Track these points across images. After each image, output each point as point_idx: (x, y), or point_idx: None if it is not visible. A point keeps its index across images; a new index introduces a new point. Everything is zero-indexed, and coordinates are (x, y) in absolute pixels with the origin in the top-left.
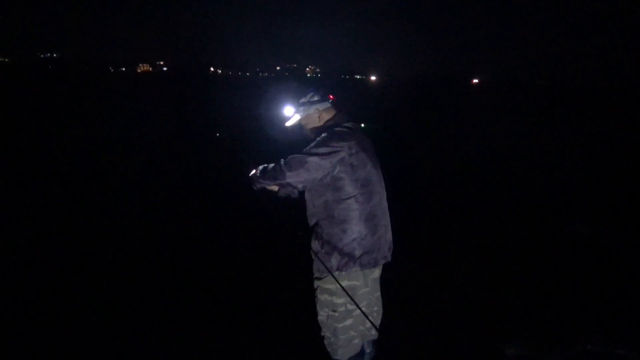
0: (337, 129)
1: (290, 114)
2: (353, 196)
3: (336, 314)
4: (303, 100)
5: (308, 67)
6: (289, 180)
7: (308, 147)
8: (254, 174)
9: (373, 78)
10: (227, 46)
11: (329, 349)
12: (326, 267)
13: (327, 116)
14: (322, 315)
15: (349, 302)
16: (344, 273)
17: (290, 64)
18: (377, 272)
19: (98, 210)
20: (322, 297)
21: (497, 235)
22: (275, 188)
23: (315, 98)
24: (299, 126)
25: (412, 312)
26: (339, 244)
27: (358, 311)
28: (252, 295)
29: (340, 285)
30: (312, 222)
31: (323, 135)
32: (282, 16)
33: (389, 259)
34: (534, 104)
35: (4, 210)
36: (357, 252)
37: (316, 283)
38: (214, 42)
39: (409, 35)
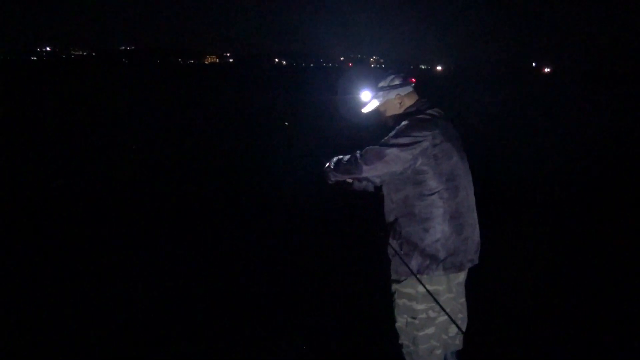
0: (419, 116)
1: (368, 99)
2: (437, 192)
3: (416, 321)
4: (382, 84)
5: (372, 58)
6: (365, 174)
7: (387, 137)
8: (328, 166)
9: (439, 68)
10: (291, 37)
11: (407, 358)
12: (409, 268)
13: (408, 102)
14: (401, 321)
15: (432, 309)
16: (425, 276)
17: (354, 55)
18: (462, 277)
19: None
20: (400, 301)
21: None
22: (350, 181)
23: (396, 82)
24: (376, 113)
25: (494, 318)
26: (420, 244)
27: (441, 319)
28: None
29: (426, 288)
30: (389, 219)
31: (403, 123)
32: (346, 5)
33: (476, 261)
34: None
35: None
36: (441, 254)
37: (394, 286)
38: (278, 33)
39: (476, 24)
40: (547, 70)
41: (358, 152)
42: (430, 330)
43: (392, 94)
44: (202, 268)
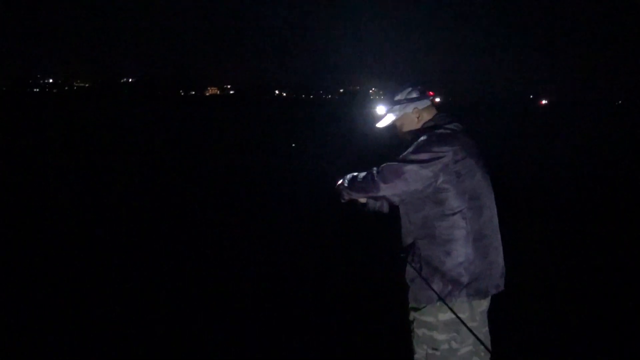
0: (438, 131)
1: (383, 112)
2: (459, 211)
3: (437, 353)
4: (399, 97)
5: (371, 90)
6: (383, 193)
7: (405, 153)
8: (341, 184)
9: (437, 100)
10: (291, 69)
11: None
12: (434, 291)
13: (427, 116)
14: (420, 353)
15: (454, 339)
16: (447, 304)
17: (353, 87)
18: (485, 304)
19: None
20: (419, 331)
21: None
22: (363, 200)
23: (414, 95)
24: (392, 128)
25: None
26: (441, 267)
27: (464, 350)
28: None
29: (455, 313)
30: (407, 241)
31: (422, 138)
32: (343, 40)
33: (502, 287)
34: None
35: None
36: (464, 279)
37: (412, 315)
38: (278, 66)
39: (474, 60)
40: (544, 102)
41: (375, 169)
42: None
43: (410, 108)
44: (205, 270)
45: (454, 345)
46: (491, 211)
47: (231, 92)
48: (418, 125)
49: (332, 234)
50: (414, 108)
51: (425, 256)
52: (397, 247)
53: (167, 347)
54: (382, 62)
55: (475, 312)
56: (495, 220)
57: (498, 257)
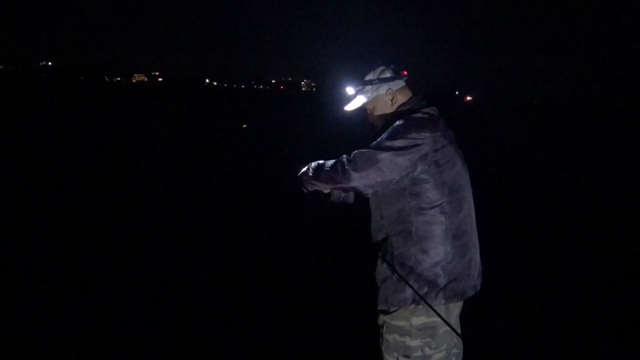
0: (416, 115)
1: (352, 94)
2: (438, 205)
3: None
4: (370, 76)
5: (303, 81)
6: (354, 183)
7: (378, 140)
8: (305, 173)
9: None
10: (222, 58)
11: None
12: (416, 293)
13: (401, 99)
14: None
15: (428, 345)
16: (421, 307)
17: (286, 78)
18: (460, 306)
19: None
20: (389, 337)
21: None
22: (327, 190)
23: (387, 74)
24: (361, 112)
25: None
26: (417, 268)
27: (437, 356)
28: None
29: (440, 316)
30: (378, 238)
31: (397, 123)
32: (278, 29)
33: (479, 288)
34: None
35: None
36: (442, 280)
37: (382, 318)
38: (208, 54)
39: (402, 51)
40: (469, 98)
41: (344, 157)
42: None
43: (383, 89)
44: (205, 269)
45: (428, 351)
46: (470, 205)
47: (159, 79)
48: (392, 109)
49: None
50: (388, 89)
51: (399, 255)
52: (367, 244)
53: (167, 347)
54: (314, 56)
55: (450, 315)
56: (474, 215)
57: (476, 255)
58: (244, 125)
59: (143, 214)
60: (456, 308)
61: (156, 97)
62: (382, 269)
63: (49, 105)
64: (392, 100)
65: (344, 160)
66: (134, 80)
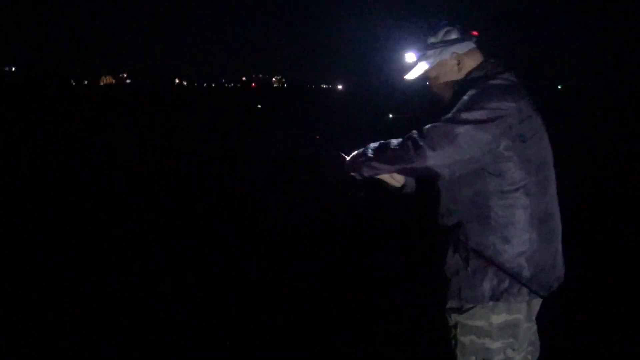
0: (494, 81)
1: (413, 60)
2: (523, 186)
3: None
4: (432, 39)
5: (274, 78)
6: (429, 162)
7: (453, 112)
8: (358, 155)
9: (340, 87)
10: (189, 57)
11: None
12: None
13: (471, 63)
14: None
15: (510, 346)
16: (501, 303)
17: (257, 74)
18: (540, 301)
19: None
20: (465, 339)
21: None
22: (394, 178)
23: (452, 36)
24: (425, 80)
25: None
26: (497, 258)
27: (519, 357)
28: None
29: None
30: (447, 224)
31: (473, 92)
32: (247, 26)
33: (562, 279)
34: None
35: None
36: (526, 272)
37: (455, 318)
38: (174, 53)
39: (371, 46)
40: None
41: (414, 132)
42: None
43: (447, 53)
44: (205, 268)
45: (510, 353)
46: (555, 185)
47: (127, 81)
48: (460, 75)
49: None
50: (453, 52)
51: (475, 244)
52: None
53: (166, 348)
54: (286, 50)
55: (533, 310)
56: (555, 195)
57: (560, 243)
58: (259, 106)
59: (132, 219)
60: (538, 303)
61: (135, 100)
62: (453, 261)
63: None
64: (458, 65)
65: (415, 136)
66: (101, 83)
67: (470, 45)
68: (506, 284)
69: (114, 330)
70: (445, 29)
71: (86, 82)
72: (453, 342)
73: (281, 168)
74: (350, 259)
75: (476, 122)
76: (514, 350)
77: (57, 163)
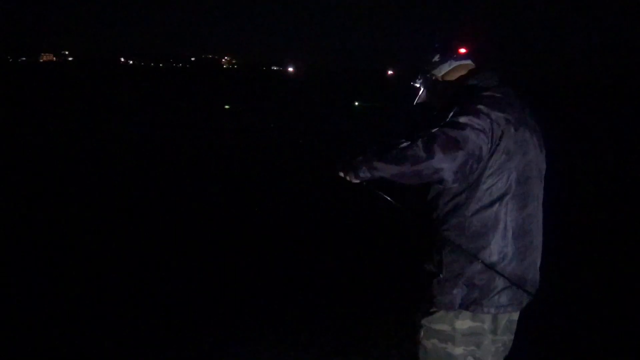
0: (487, 93)
1: (418, 86)
2: (500, 198)
3: None
4: (426, 67)
5: (225, 58)
6: (441, 165)
7: (451, 117)
8: (365, 157)
9: (290, 69)
10: (137, 35)
11: None
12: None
13: (460, 72)
14: None
15: (472, 354)
16: (469, 312)
17: (206, 55)
18: (515, 316)
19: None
20: (428, 342)
21: None
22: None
23: (437, 59)
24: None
25: None
26: (467, 269)
27: None
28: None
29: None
30: (428, 229)
31: (468, 99)
32: (194, 3)
33: (533, 296)
34: None
35: None
36: (494, 285)
37: (421, 321)
38: (121, 31)
39: (326, 27)
40: (390, 72)
41: (423, 135)
42: None
43: (439, 72)
44: (204, 267)
45: None
46: (538, 202)
47: (69, 58)
48: (446, 95)
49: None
50: (435, 78)
51: (449, 252)
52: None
53: (166, 347)
54: (236, 30)
55: (500, 323)
56: (541, 213)
57: (537, 259)
58: (226, 107)
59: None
60: (506, 317)
61: (78, 78)
62: (429, 266)
63: None
64: (441, 88)
65: (425, 138)
66: (41, 60)
67: (452, 64)
68: (475, 294)
69: (114, 330)
70: (436, 54)
71: (24, 59)
72: (417, 344)
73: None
74: (353, 258)
75: (474, 127)
76: (475, 358)
77: None
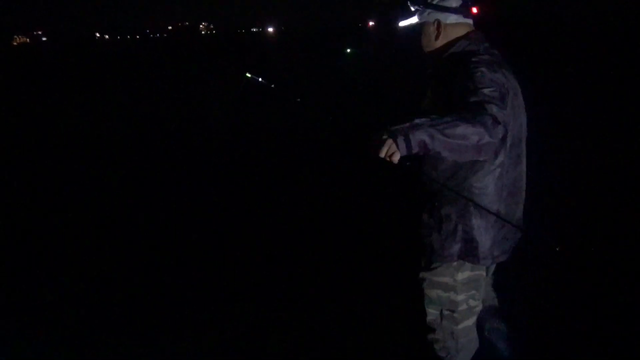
0: (483, 56)
1: (412, 11)
2: (498, 160)
3: (455, 315)
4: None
5: (202, 24)
6: (496, 139)
7: (474, 86)
8: (418, 125)
9: (270, 30)
10: (108, 9)
11: (442, 354)
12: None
13: (454, 34)
14: (433, 315)
15: (472, 297)
16: (466, 263)
17: (182, 22)
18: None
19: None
20: (432, 292)
21: None
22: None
23: (448, 4)
24: (414, 33)
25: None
26: (466, 225)
27: (480, 306)
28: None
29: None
30: (427, 189)
31: (474, 61)
32: None
33: (517, 243)
34: None
35: None
36: (489, 239)
37: (423, 274)
38: (91, 6)
39: None
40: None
41: (482, 108)
42: (471, 321)
43: (432, 17)
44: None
45: (472, 303)
46: (524, 160)
47: (43, 39)
48: (437, 44)
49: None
50: (436, 20)
51: (448, 210)
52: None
53: (166, 347)
54: None
55: (491, 269)
56: (525, 169)
57: (521, 215)
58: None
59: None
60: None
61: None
62: (428, 223)
63: None
64: (436, 33)
65: (490, 112)
66: (14, 43)
67: (460, 19)
68: (472, 247)
69: (113, 330)
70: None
71: None
72: (421, 295)
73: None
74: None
75: (499, 99)
76: (475, 300)
77: None
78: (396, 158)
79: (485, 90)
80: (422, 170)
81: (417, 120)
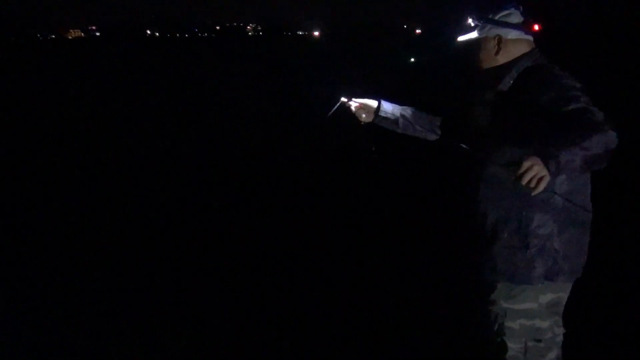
0: (554, 70)
1: (471, 27)
2: (577, 174)
3: (540, 345)
4: (492, 15)
5: (249, 26)
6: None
7: (577, 100)
8: (564, 146)
9: (316, 33)
10: (158, 6)
11: None
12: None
13: (517, 51)
14: (515, 349)
15: (556, 323)
16: (548, 283)
17: (230, 23)
18: None
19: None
20: (514, 324)
21: None
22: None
23: (510, 20)
24: (471, 49)
25: None
26: (553, 241)
27: (562, 333)
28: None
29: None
30: (507, 204)
31: (556, 74)
32: None
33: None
34: None
35: None
36: (573, 254)
37: (501, 305)
38: (140, 3)
39: None
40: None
41: (591, 114)
42: (554, 354)
43: (493, 33)
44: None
45: (556, 330)
46: None
47: (97, 34)
48: (498, 61)
49: None
50: (496, 35)
51: (536, 227)
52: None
53: (166, 346)
54: None
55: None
56: None
57: None
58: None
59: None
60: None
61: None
62: (509, 242)
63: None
64: (496, 48)
65: (604, 122)
66: (69, 37)
67: (521, 35)
68: (558, 265)
69: (114, 330)
70: (506, 11)
71: (53, 37)
72: (496, 327)
73: None
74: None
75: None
76: (558, 326)
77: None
78: (544, 184)
79: (582, 99)
80: (495, 183)
81: (550, 139)
